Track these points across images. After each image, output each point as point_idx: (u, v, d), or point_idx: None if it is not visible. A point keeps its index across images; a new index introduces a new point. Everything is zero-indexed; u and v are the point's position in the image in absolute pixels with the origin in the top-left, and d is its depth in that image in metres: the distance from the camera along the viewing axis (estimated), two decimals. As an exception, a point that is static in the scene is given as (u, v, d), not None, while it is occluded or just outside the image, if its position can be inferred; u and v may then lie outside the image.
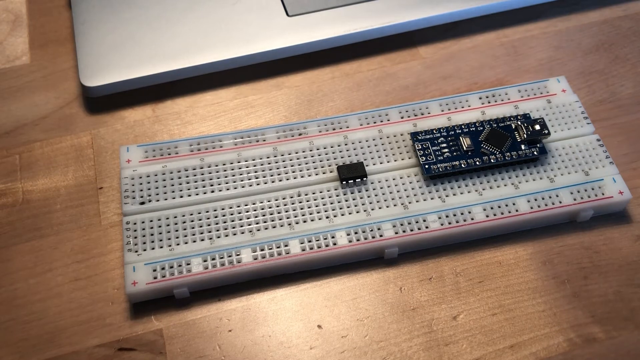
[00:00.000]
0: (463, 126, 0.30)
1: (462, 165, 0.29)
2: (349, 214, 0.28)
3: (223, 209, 0.28)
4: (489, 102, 0.32)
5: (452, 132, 0.30)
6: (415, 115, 0.31)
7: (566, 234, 0.29)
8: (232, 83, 0.34)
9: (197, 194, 0.29)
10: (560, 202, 0.28)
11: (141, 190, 0.29)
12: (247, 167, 0.29)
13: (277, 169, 0.29)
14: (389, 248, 0.28)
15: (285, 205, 0.28)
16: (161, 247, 0.27)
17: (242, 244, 0.27)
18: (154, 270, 0.26)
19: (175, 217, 0.28)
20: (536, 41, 0.36)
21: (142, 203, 0.28)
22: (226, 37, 0.34)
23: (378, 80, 0.34)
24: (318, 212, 0.28)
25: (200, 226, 0.28)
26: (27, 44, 0.36)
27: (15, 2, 0.38)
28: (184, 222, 0.28)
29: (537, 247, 0.29)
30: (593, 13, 0.37)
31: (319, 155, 0.30)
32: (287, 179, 0.29)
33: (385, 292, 0.27)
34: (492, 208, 0.28)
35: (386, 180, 0.29)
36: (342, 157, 0.30)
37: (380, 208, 0.28)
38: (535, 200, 0.29)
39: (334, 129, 0.31)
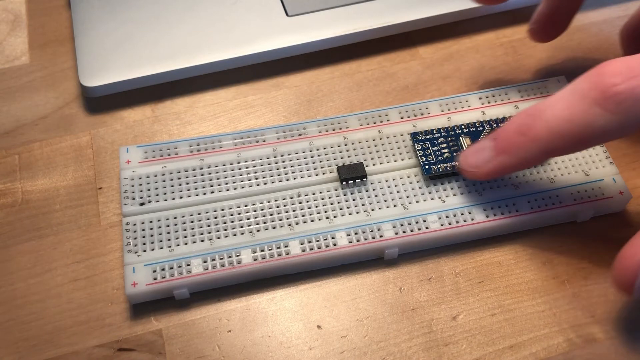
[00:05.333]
0: (463, 126, 0.30)
1: (462, 166, 0.29)
2: (349, 214, 0.28)
3: (223, 210, 0.28)
4: (488, 103, 0.32)
5: (452, 133, 0.30)
6: (415, 116, 0.31)
7: (566, 234, 0.29)
8: (231, 83, 0.34)
9: (197, 195, 0.29)
10: (560, 202, 0.28)
11: (141, 191, 0.29)
12: (247, 168, 0.29)
13: (277, 169, 0.29)
14: (389, 248, 0.28)
15: (285, 205, 0.28)
16: (161, 248, 0.27)
17: (242, 244, 0.27)
18: (154, 271, 0.26)
19: (175, 217, 0.28)
20: (536, 41, 0.36)
21: (142, 204, 0.28)
22: (225, 37, 0.34)
23: (378, 81, 0.34)
24: (318, 213, 0.28)
25: (200, 227, 0.28)
26: (26, 44, 0.36)
27: (15, 2, 0.38)
28: (184, 223, 0.28)
29: (537, 247, 0.29)
30: (593, 13, 0.37)
31: (319, 155, 0.30)
32: (287, 180, 0.29)
33: (384, 293, 0.27)
34: (492, 208, 0.28)
35: (386, 181, 0.29)
36: (342, 158, 0.30)
37: (380, 208, 0.28)
38: (535, 200, 0.28)
39: (333, 130, 0.31)
